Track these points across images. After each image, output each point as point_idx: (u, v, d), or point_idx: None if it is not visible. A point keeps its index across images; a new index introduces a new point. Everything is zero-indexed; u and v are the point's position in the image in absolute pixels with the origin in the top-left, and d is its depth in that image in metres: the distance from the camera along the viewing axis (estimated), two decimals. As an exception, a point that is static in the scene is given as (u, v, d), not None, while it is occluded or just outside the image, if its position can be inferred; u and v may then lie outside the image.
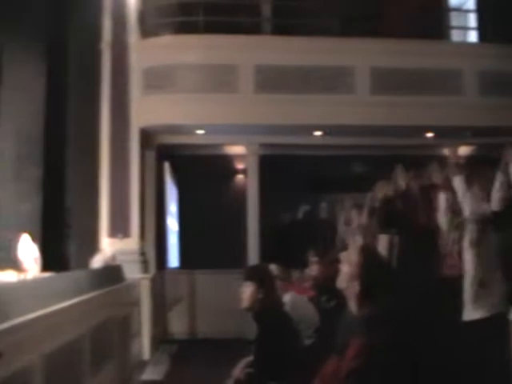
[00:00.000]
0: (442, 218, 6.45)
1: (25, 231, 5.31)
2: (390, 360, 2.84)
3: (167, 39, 9.62)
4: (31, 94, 8.29)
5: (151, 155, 10.35)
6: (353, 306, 3.13)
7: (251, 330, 4.35)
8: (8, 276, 4.31)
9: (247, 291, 4.10)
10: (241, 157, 11.27)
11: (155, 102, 9.43)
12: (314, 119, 9.59)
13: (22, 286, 4.06)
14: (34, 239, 5.27)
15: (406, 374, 2.90)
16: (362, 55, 9.51)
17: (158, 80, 9.47)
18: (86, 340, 4.60)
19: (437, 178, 6.83)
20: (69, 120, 8.96)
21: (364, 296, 3.07)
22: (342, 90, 9.53)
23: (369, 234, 7.60)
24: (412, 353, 2.97)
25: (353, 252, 3.22)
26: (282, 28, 9.93)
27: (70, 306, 4.16)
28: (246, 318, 4.69)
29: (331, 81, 9.50)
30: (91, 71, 9.27)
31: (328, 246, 8.00)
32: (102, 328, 5.21)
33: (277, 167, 10.60)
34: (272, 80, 9.51)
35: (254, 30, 9.95)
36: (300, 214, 10.82)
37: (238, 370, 4.27)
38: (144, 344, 8.69)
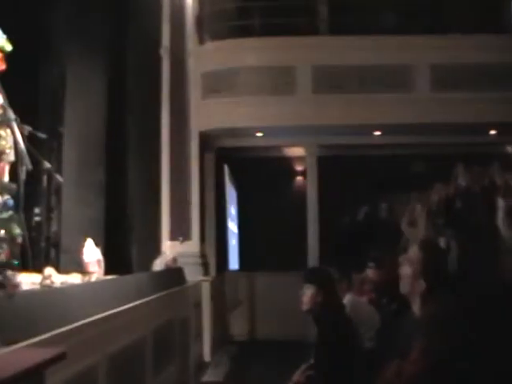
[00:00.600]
0: (501, 225, 6.26)
1: (88, 235, 5.43)
2: (453, 363, 2.77)
3: (225, 43, 9.69)
4: (93, 100, 8.49)
5: (211, 158, 10.45)
6: (416, 308, 3.07)
7: (312, 332, 4.32)
8: (73, 279, 4.42)
9: (307, 294, 4.08)
10: (300, 158, 11.25)
11: (214, 106, 9.52)
12: (374, 119, 9.47)
13: (86, 288, 4.15)
14: (97, 243, 5.39)
15: (469, 378, 2.82)
16: (421, 52, 9.35)
17: (217, 84, 9.55)
18: (148, 341, 4.67)
19: (498, 178, 6.63)
20: (130, 126, 9.13)
21: (429, 295, 3.00)
22: (401, 88, 9.39)
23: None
24: (474, 357, 2.88)
25: (413, 250, 3.16)
26: (339, 28, 9.84)
27: (133, 308, 4.24)
28: (306, 321, 4.67)
29: (390, 79, 9.37)
30: (151, 77, 9.43)
31: (389, 246, 7.87)
32: (163, 329, 5.29)
33: (336, 168, 10.54)
34: (330, 80, 9.46)
35: (310, 30, 9.90)
36: (360, 215, 10.69)
37: (299, 372, 4.25)
38: (205, 345, 8.76)
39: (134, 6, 9.09)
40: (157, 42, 9.52)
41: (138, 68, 9.21)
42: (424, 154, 10.52)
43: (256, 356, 9.32)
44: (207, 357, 8.82)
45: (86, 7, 8.34)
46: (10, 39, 3.39)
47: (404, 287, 3.14)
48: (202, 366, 8.18)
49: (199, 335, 8.28)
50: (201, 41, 9.81)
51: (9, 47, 3.33)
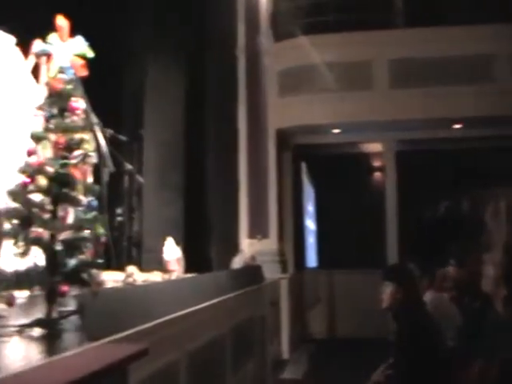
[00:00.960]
0: None
1: (169, 235, 5.56)
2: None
3: (300, 40, 9.66)
4: (172, 103, 8.67)
5: (287, 156, 10.47)
6: (500, 307, 2.99)
7: (392, 330, 4.26)
8: (154, 277, 4.54)
9: (386, 291, 4.03)
10: (377, 154, 11.11)
11: (291, 103, 9.54)
12: (453, 112, 9.23)
13: (167, 286, 4.25)
14: (177, 242, 5.51)
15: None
16: (501, 41, 9.02)
17: (293, 81, 9.57)
18: (228, 339, 4.73)
19: None
20: (207, 126, 9.26)
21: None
22: (481, 79, 9.10)
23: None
24: None
25: (497, 251, 3.08)
26: (415, 20, 9.63)
27: (212, 306, 4.30)
28: (386, 318, 4.61)
29: (469, 70, 9.11)
30: (227, 77, 9.54)
31: (471, 243, 7.64)
32: (242, 327, 5.34)
33: (415, 163, 10.33)
34: (407, 74, 9.29)
35: (386, 24, 9.74)
36: (441, 211, 10.45)
37: (378, 372, 4.20)
38: (283, 343, 8.79)
39: (210, 8, 9.22)
40: (232, 43, 9.62)
41: (214, 69, 9.34)
42: (507, 147, 10.15)
43: (335, 354, 9.27)
44: (285, 354, 8.85)
45: (164, 13, 8.53)
46: (92, 46, 3.51)
47: (486, 286, 3.07)
48: (280, 364, 8.20)
49: (277, 333, 8.31)
50: (276, 39, 9.85)
51: (90, 54, 3.44)
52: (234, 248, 8.85)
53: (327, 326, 10.85)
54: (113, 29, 7.86)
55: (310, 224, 11.28)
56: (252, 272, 7.20)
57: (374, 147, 11.03)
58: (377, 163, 11.30)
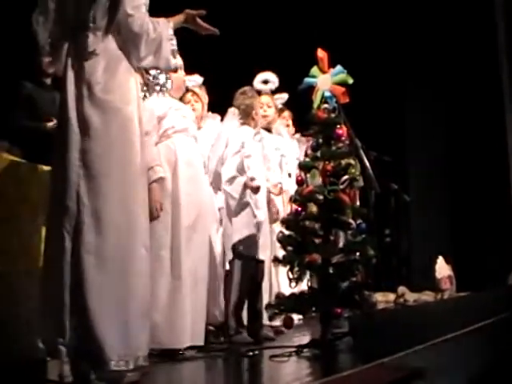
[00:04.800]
0: None
1: (439, 253, 5.45)
2: None
3: None
4: (434, 119, 8.58)
5: None
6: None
7: None
8: (425, 296, 4.49)
9: None
10: None
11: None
12: None
13: (439, 306, 4.16)
14: (448, 259, 5.37)
15: None
16: None
17: None
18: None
19: None
20: (471, 140, 8.92)
21: None
22: None
23: None
24: None
25: None
26: None
27: (489, 325, 4.11)
28: None
29: None
30: (488, 87, 9.10)
31: None
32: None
33: None
34: None
35: None
36: None
37: None
38: None
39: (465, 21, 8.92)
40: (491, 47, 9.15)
41: (474, 77, 8.98)
42: None
43: None
44: None
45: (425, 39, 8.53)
46: (350, 73, 3.62)
47: None
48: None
49: None
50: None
51: (350, 81, 3.56)
52: (510, 262, 8.31)
53: None
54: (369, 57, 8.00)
55: None
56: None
57: None
58: None
